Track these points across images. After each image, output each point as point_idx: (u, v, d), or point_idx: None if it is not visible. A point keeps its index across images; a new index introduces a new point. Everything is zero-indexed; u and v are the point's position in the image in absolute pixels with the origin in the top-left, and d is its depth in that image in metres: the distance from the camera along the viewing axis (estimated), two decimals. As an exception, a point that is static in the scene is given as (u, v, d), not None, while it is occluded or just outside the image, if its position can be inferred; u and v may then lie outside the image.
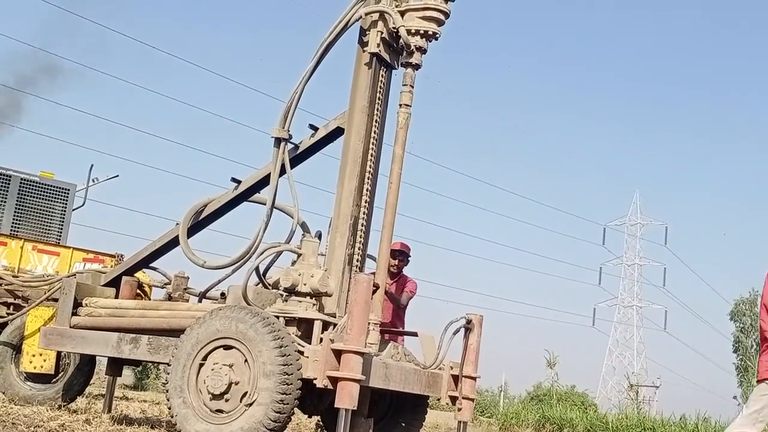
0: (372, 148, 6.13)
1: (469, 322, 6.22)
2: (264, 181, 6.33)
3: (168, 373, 5.42)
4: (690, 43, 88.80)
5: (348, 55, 6.23)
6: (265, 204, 6.26)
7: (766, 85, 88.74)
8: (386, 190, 6.05)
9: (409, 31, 6.04)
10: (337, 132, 6.24)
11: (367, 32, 6.12)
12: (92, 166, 16.05)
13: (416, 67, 6.14)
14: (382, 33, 6.07)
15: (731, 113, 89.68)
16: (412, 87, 6.12)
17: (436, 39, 6.18)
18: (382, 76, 6.21)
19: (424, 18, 6.06)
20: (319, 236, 6.24)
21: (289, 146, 6.33)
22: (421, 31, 6.06)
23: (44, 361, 7.17)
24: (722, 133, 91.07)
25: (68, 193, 12.75)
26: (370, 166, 6.11)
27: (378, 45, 6.05)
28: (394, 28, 6.05)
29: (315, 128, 6.37)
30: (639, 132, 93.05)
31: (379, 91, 6.18)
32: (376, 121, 6.16)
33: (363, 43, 6.16)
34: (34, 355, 7.15)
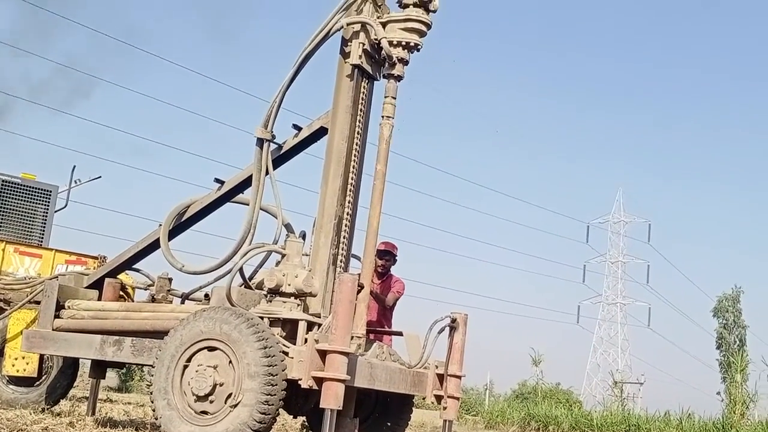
0: (356, 148, 6.13)
1: (453, 321, 6.23)
2: (247, 182, 6.31)
3: (152, 375, 5.39)
4: (672, 40, 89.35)
5: (333, 51, 6.21)
6: (248, 205, 6.25)
7: (751, 82, 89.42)
8: (371, 190, 6.06)
9: (390, 43, 6.03)
10: (321, 132, 6.22)
11: (349, 43, 6.10)
12: (74, 167, 15.85)
13: (398, 78, 6.13)
14: (363, 44, 6.05)
15: (714, 110, 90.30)
16: (395, 98, 6.12)
17: (418, 50, 6.18)
18: (364, 87, 6.19)
19: (405, 29, 6.06)
20: (303, 236, 6.24)
21: (273, 146, 6.32)
22: (403, 43, 6.05)
23: (27, 364, 7.12)
24: (705, 131, 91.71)
25: (50, 195, 12.65)
26: (353, 166, 6.11)
27: (360, 57, 6.04)
28: (375, 39, 6.04)
29: (299, 128, 6.36)
30: (622, 130, 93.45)
31: (362, 102, 6.17)
32: (359, 120, 6.15)
33: (345, 54, 6.14)
34: (16, 359, 7.10)
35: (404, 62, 6.13)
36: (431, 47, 6.23)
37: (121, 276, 7.17)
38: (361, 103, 6.17)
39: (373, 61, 6.22)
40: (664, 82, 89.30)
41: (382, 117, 6.10)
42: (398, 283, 8.45)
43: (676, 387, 60.07)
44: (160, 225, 6.55)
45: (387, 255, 8.36)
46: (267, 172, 6.21)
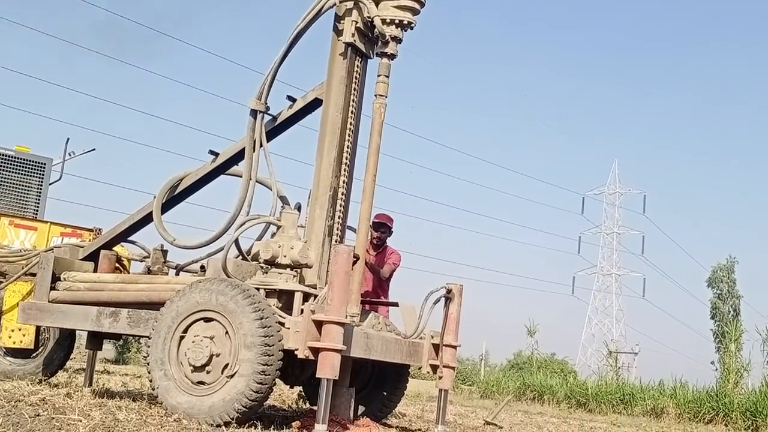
0: (351, 119, 6.10)
1: (449, 291, 6.25)
2: (242, 154, 6.29)
3: (149, 347, 5.41)
4: (666, 11, 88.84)
5: (328, 26, 6.16)
6: (242, 177, 6.23)
7: (745, 51, 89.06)
8: (365, 161, 6.04)
9: (384, 21, 5.98)
10: (316, 103, 6.20)
11: (342, 20, 6.05)
12: (68, 139, 15.77)
13: (391, 57, 6.09)
14: (356, 23, 5.99)
15: (709, 79, 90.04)
16: (388, 77, 6.08)
17: (412, 28, 6.13)
18: (357, 65, 6.15)
19: (399, 7, 6.00)
20: (299, 208, 6.23)
21: (267, 118, 6.29)
22: (396, 21, 5.99)
23: (23, 336, 7.15)
24: (700, 101, 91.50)
25: (44, 168, 12.63)
26: (349, 137, 6.09)
27: (353, 35, 5.99)
28: (368, 17, 5.98)
29: (293, 99, 6.32)
30: (618, 101, 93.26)
31: (355, 80, 6.12)
32: (354, 92, 6.12)
33: (338, 32, 6.09)
34: (13, 330, 7.12)
35: (398, 41, 6.08)
36: (428, 21, 6.18)
37: (117, 248, 7.17)
38: (355, 81, 6.13)
39: (367, 39, 6.17)
40: (659, 53, 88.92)
41: (375, 96, 6.06)
42: (394, 254, 8.46)
43: (671, 357, 60.60)
44: (155, 197, 6.54)
45: (382, 227, 8.37)
46: (261, 144, 6.19)
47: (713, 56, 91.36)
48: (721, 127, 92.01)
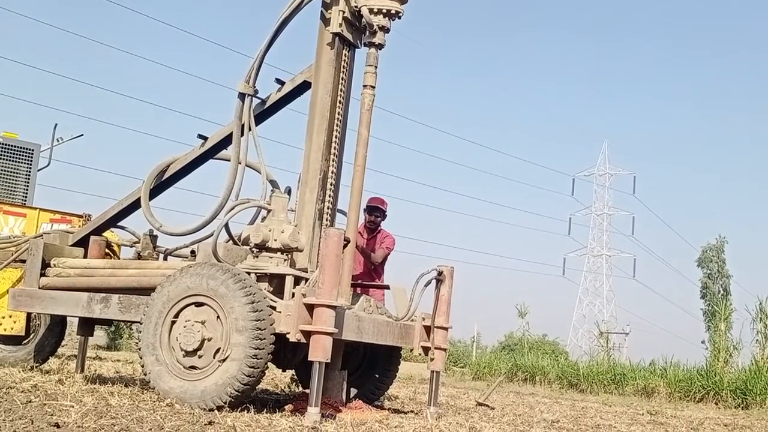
0: (340, 102, 6.08)
1: (440, 273, 6.26)
2: (231, 138, 6.26)
3: (140, 332, 5.41)
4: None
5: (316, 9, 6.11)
6: (230, 161, 6.21)
7: (733, 32, 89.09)
8: (355, 145, 6.02)
9: (371, 10, 5.94)
10: (305, 86, 6.17)
11: (329, 9, 6.00)
12: (56, 125, 15.66)
13: (379, 47, 6.04)
14: (344, 12, 5.95)
15: (698, 60, 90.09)
16: (376, 67, 6.03)
17: (399, 18, 6.07)
18: (345, 55, 6.10)
19: None
20: (289, 192, 6.22)
21: (256, 101, 6.26)
22: (384, 10, 5.95)
23: (14, 322, 7.14)
24: (689, 80, 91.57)
25: (32, 154, 12.55)
26: (338, 120, 6.06)
27: (340, 25, 5.94)
28: (355, 6, 5.93)
29: (282, 82, 6.29)
30: (607, 82, 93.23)
31: (343, 71, 6.07)
32: (343, 74, 6.09)
33: (325, 21, 6.03)
34: (3, 317, 7.12)
35: (385, 30, 6.04)
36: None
37: (107, 234, 7.15)
38: (343, 70, 6.08)
39: (354, 29, 6.13)
40: (650, 31, 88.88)
41: (364, 86, 6.03)
42: (388, 238, 8.42)
43: (661, 336, 60.96)
44: (143, 183, 6.51)
45: (376, 211, 8.34)
46: (250, 128, 6.17)
47: (705, 34, 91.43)
48: (711, 107, 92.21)
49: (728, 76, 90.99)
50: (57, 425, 3.70)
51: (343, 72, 6.09)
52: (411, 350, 6.46)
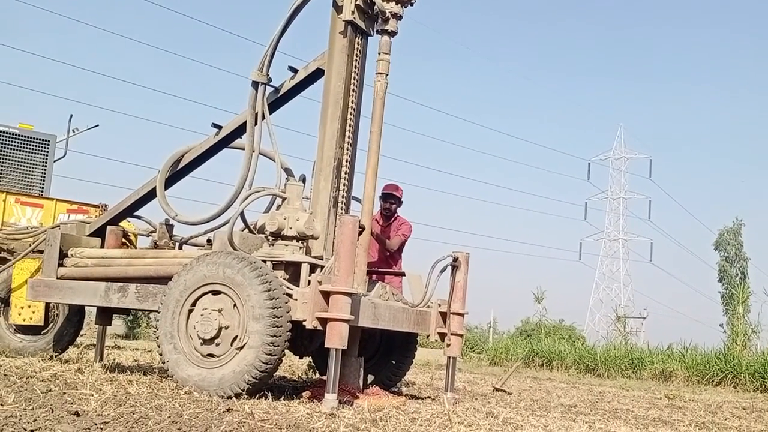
0: (353, 89, 6.06)
1: (455, 259, 6.25)
2: (245, 127, 6.26)
3: (158, 321, 5.44)
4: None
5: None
6: (244, 149, 6.22)
7: (748, 15, 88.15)
8: (369, 132, 6.01)
9: None
10: (318, 73, 6.16)
11: None
12: (71, 116, 15.72)
13: (392, 34, 6.03)
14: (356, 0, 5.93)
15: (713, 43, 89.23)
16: (388, 54, 6.02)
17: (412, 4, 6.05)
18: (357, 43, 6.09)
19: None
20: (303, 180, 6.22)
21: (269, 90, 6.26)
22: None
23: (33, 312, 7.19)
24: (704, 63, 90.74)
25: (49, 145, 12.62)
26: (351, 107, 6.05)
27: (353, 12, 5.92)
28: None
29: (295, 70, 6.29)
30: (623, 66, 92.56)
31: (356, 58, 6.06)
32: (356, 61, 6.07)
33: (337, 8, 6.01)
34: (22, 308, 7.17)
35: (398, 17, 6.02)
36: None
37: (123, 223, 7.18)
38: (356, 58, 6.06)
39: (367, 16, 6.11)
40: (664, 17, 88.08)
41: (376, 74, 6.01)
42: (404, 225, 8.39)
43: (679, 320, 60.82)
44: (159, 172, 6.53)
45: (391, 198, 8.31)
46: (263, 116, 6.17)
47: (720, 14, 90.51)
48: (727, 89, 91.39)
49: (745, 57, 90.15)
50: (77, 413, 3.73)
51: (356, 59, 6.07)
52: (427, 336, 6.47)
